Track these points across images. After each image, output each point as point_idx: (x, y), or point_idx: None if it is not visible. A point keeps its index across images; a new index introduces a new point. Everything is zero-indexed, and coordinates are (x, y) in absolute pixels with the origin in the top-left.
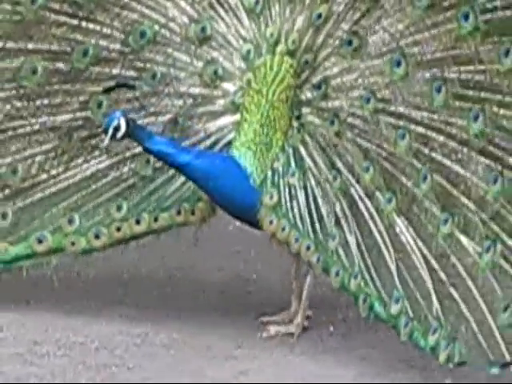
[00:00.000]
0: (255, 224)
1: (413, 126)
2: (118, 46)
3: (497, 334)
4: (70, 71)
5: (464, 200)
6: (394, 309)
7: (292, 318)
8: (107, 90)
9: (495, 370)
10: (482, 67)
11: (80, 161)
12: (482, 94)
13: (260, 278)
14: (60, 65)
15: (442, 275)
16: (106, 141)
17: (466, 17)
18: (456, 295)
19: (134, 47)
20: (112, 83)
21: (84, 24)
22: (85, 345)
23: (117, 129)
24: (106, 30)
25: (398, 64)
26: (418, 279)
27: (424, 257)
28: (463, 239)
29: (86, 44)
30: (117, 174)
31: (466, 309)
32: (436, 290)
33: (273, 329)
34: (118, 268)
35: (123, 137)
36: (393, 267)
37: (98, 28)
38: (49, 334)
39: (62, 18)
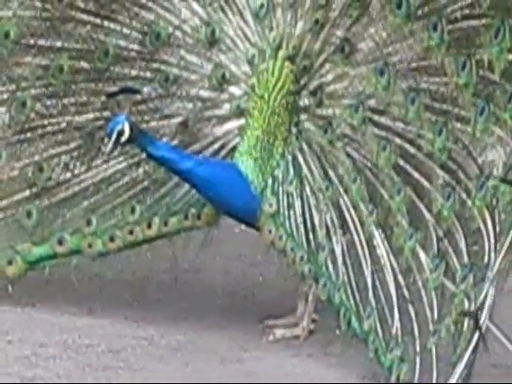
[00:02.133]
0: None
1: (391, 137)
2: (136, 47)
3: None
4: (93, 70)
5: (426, 214)
6: (366, 324)
7: (298, 321)
8: (111, 95)
9: None
10: (445, 79)
11: (100, 161)
12: (445, 107)
13: (266, 280)
14: (84, 64)
15: (405, 292)
16: (110, 145)
17: (435, 27)
18: (412, 313)
19: (150, 48)
20: (115, 88)
21: (106, 23)
22: (90, 347)
23: (120, 133)
24: (125, 30)
25: (382, 73)
26: (387, 295)
27: (393, 271)
28: (421, 255)
29: (107, 43)
30: (133, 175)
31: (417, 328)
32: (399, 307)
33: (278, 332)
34: (124, 271)
35: (127, 142)
36: (369, 281)
37: (118, 28)
38: (54, 336)
39: (86, 17)
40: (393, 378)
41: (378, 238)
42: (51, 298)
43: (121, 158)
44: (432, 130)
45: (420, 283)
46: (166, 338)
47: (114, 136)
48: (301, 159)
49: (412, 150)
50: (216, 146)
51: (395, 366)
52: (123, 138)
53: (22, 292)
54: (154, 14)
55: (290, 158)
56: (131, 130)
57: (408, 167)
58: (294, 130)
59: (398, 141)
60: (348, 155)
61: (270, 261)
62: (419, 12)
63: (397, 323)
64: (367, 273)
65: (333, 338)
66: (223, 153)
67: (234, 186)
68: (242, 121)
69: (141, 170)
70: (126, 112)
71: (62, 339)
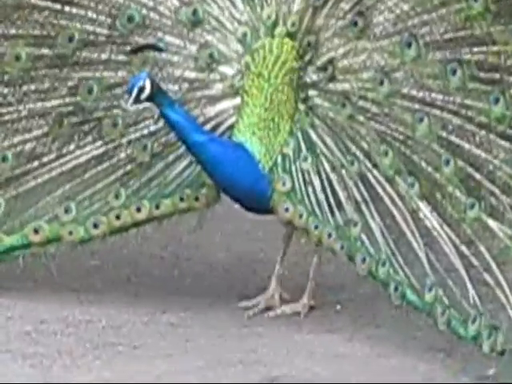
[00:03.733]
0: (264, 211)
1: (428, 109)
2: (105, 31)
3: None
4: (56, 56)
5: (487, 184)
6: (429, 296)
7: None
8: (134, 51)
9: None
10: (495, 48)
11: (72, 147)
12: (497, 76)
13: (266, 257)
14: (45, 50)
15: (474, 261)
16: (130, 102)
17: None
18: (491, 281)
19: (123, 32)
20: (139, 44)
21: (67, 9)
22: (91, 323)
23: (141, 90)
24: (91, 15)
25: (409, 45)
26: (448, 266)
27: (453, 243)
28: (492, 223)
29: (71, 29)
30: (113, 160)
31: (502, 294)
32: (470, 276)
33: (279, 308)
34: (125, 247)
35: (147, 99)
36: (421, 254)
37: (82, 12)
38: (56, 312)
39: (43, 3)
40: (485, 348)
41: (424, 210)
42: (52, 273)
43: (96, 144)
44: (484, 99)
45: (486, 252)
46: (167, 314)
47: (135, 92)
48: (313, 135)
49: (458, 121)
50: (209, 126)
51: (485, 334)
52: (144, 95)
53: (22, 268)
54: None
55: (299, 134)
56: (152, 87)
57: (455, 139)
58: (302, 106)
59: (436, 112)
60: (374, 129)
61: (270, 237)
62: None
63: (472, 292)
64: (417, 246)
65: (334, 314)
66: (217, 133)
67: (242, 166)
68: (238, 100)
69: (122, 155)
70: (148, 69)
71: (63, 315)
